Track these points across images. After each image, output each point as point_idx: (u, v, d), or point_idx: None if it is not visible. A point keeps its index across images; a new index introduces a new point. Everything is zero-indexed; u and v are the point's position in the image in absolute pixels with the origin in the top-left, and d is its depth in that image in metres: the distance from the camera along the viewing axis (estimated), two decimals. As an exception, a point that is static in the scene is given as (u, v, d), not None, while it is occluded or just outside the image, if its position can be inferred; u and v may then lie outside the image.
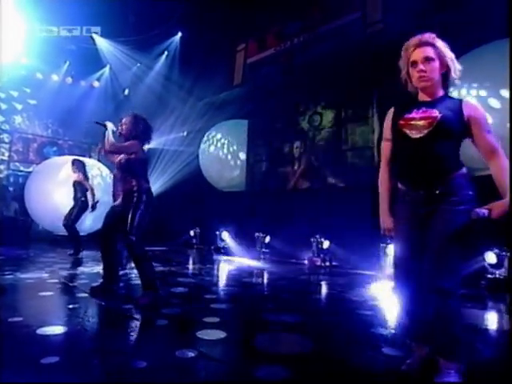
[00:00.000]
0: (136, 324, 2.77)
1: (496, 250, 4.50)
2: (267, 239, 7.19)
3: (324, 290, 4.72)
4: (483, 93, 5.04)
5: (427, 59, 1.82)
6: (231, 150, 8.81)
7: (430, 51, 1.82)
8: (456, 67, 1.87)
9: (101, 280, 3.64)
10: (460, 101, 1.86)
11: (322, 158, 7.14)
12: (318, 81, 7.11)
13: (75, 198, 6.60)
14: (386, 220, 2.04)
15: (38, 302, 3.25)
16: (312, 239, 6.41)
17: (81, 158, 7.29)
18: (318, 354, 2.23)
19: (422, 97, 1.92)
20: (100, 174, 9.02)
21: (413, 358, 1.96)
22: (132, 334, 2.59)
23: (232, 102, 8.93)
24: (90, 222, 8.01)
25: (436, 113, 1.79)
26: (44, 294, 3.48)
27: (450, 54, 1.86)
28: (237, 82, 9.14)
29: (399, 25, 5.79)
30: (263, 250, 7.15)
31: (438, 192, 1.80)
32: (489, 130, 1.83)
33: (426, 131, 1.79)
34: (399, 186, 1.98)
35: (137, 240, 3.26)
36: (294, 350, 2.30)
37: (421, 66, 1.82)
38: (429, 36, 1.85)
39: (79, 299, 3.34)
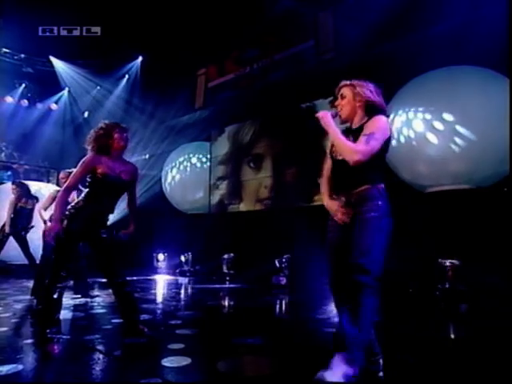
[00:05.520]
0: (98, 356, 2.72)
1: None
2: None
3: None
4: (428, 116, 5.42)
5: (342, 96, 2.24)
6: (194, 172, 8.85)
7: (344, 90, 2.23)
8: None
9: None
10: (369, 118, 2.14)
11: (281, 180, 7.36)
12: (277, 105, 7.38)
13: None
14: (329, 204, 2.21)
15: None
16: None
17: (26, 182, 6.63)
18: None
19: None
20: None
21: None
22: (94, 366, 2.54)
23: (194, 125, 9.04)
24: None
25: (351, 139, 2.11)
26: (-2, 330, 3.34)
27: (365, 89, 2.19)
28: (198, 105, 9.27)
29: (350, 53, 6.19)
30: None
31: (353, 200, 2.11)
32: (365, 134, 2.02)
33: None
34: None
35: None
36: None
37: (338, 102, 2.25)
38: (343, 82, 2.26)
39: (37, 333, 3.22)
